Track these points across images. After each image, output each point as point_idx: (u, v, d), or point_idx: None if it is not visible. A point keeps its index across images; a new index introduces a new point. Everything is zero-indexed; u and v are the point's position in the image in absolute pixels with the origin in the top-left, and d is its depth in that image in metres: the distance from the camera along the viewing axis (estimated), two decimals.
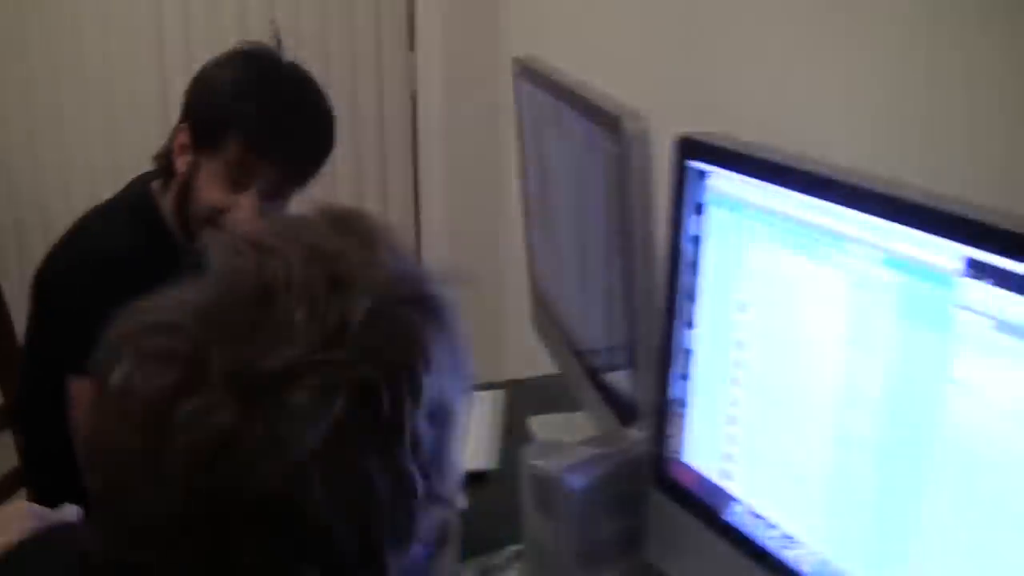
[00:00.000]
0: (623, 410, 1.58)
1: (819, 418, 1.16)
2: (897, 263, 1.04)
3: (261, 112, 1.89)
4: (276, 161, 1.90)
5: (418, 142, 3.60)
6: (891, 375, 1.06)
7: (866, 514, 1.11)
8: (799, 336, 1.18)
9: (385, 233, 0.91)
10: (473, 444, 1.90)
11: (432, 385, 0.86)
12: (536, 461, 1.44)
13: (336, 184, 3.56)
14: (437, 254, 3.61)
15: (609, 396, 1.69)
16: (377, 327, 0.83)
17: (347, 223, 0.90)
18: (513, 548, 1.58)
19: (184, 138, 1.93)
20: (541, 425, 1.97)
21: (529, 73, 1.92)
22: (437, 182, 3.57)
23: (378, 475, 0.83)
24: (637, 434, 1.47)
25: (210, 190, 1.91)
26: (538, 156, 1.97)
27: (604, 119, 1.50)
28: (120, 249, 1.89)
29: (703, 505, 1.35)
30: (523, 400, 2.11)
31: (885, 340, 1.06)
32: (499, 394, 2.14)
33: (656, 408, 1.41)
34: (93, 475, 0.84)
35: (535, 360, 2.15)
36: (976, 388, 0.97)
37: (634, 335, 1.51)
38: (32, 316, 2.00)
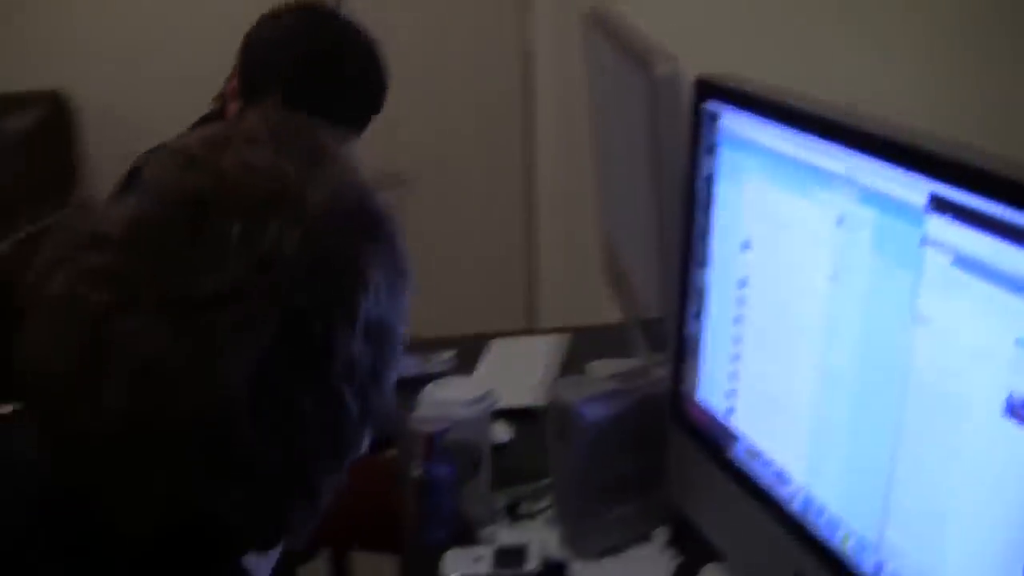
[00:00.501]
0: (655, 337, 1.61)
1: (805, 355, 1.18)
2: (872, 199, 1.05)
3: (304, 68, 1.94)
4: (314, 117, 1.95)
5: (535, 98, 3.64)
6: (866, 312, 1.07)
7: (843, 450, 1.13)
8: (791, 274, 1.20)
9: (332, 148, 0.90)
10: (525, 382, 1.94)
11: (369, 308, 0.85)
12: (558, 392, 1.48)
13: (451, 148, 3.62)
14: (550, 214, 3.65)
15: (654, 339, 1.72)
16: (311, 253, 0.82)
17: (291, 137, 0.88)
18: (547, 480, 1.62)
19: (235, 85, 2.01)
20: (597, 369, 2.00)
21: (594, 22, 1.94)
22: (551, 141, 3.60)
23: (308, 401, 0.83)
24: (659, 372, 1.50)
25: None
26: (600, 106, 1.99)
27: (641, 62, 1.52)
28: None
29: (712, 442, 1.37)
30: (586, 346, 2.14)
31: (862, 277, 1.08)
32: (564, 338, 2.18)
33: (673, 346, 1.43)
34: (30, 390, 0.83)
35: None
36: (938, 324, 0.98)
37: (664, 277, 1.53)
38: None
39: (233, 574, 0.89)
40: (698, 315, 1.39)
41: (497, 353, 2.10)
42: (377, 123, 3.49)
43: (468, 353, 2.11)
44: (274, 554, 0.94)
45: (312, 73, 1.93)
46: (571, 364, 2.09)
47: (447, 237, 3.60)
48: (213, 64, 3.56)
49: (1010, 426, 0.90)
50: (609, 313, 2.21)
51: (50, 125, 3.40)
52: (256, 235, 0.80)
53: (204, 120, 2.09)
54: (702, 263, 1.36)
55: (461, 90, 3.63)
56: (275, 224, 0.81)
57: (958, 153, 0.96)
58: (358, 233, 0.87)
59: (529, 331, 2.29)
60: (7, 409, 0.91)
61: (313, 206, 0.84)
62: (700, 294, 1.38)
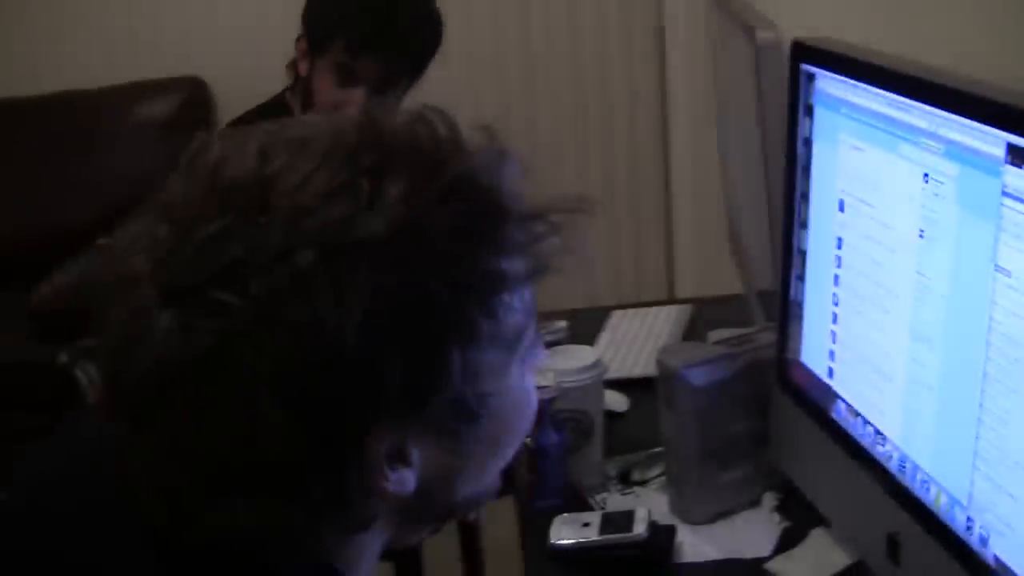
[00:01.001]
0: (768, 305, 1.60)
1: (896, 314, 1.17)
2: (955, 153, 1.05)
3: (362, 11, 2.10)
4: (378, 57, 2.10)
5: (666, 77, 3.64)
6: (953, 268, 1.07)
7: (933, 408, 1.12)
8: (883, 233, 1.19)
9: (411, 167, 0.82)
10: (644, 352, 1.96)
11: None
12: (664, 358, 1.49)
13: (587, 124, 3.65)
14: (685, 188, 3.65)
15: (769, 309, 1.72)
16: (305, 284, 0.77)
17: (372, 151, 0.82)
18: (659, 448, 1.64)
19: (303, 44, 2.18)
20: (715, 339, 2.01)
21: None
22: (685, 115, 3.59)
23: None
24: (767, 337, 1.51)
25: (323, 88, 2.14)
26: (719, 77, 2.00)
27: (746, 29, 1.52)
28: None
29: (815, 404, 1.37)
30: (710, 316, 2.14)
31: (948, 232, 1.07)
32: (686, 309, 2.19)
33: (779, 309, 1.44)
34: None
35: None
36: (1018, 275, 0.97)
37: (773, 243, 1.53)
38: None
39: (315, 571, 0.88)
40: (801, 278, 1.39)
41: (618, 324, 2.12)
42: (513, 102, 3.54)
43: (592, 324, 2.14)
44: (369, 545, 0.93)
45: (374, 19, 2.08)
46: (693, 334, 2.09)
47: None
48: None
49: None
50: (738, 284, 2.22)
51: (190, 110, 3.52)
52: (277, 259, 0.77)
53: (283, 92, 2.22)
54: (803, 225, 1.37)
55: (595, 66, 3.65)
56: (281, 234, 0.78)
57: None
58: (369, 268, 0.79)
59: (654, 303, 2.29)
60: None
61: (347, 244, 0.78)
62: (803, 257, 1.38)
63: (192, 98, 3.55)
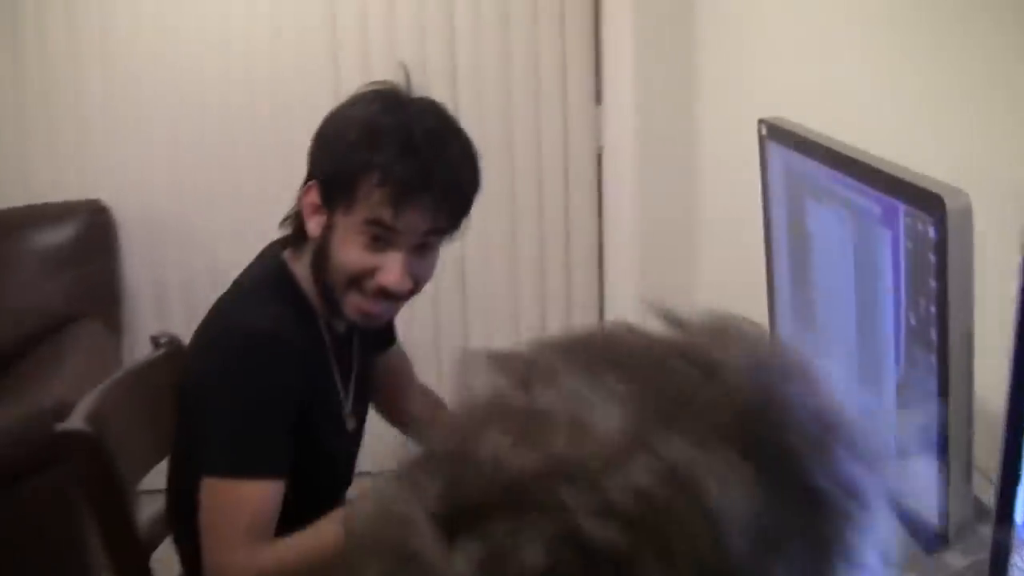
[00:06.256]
0: (923, 532, 1.37)
1: None
2: None
3: (404, 152, 1.66)
4: (422, 208, 1.69)
5: (603, 201, 3.47)
6: None
7: None
8: None
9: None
10: None
11: None
12: None
13: (517, 245, 3.46)
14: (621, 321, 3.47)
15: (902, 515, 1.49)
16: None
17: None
18: None
19: (313, 197, 1.74)
20: None
21: (783, 135, 1.74)
22: (624, 243, 3.42)
23: None
24: (958, 561, 1.28)
25: (348, 252, 1.71)
26: (792, 227, 1.78)
27: (912, 195, 1.31)
28: (266, 333, 1.71)
29: None
30: None
31: None
32: None
33: (994, 535, 1.21)
34: None
35: None
36: None
37: (943, 440, 1.31)
38: (182, 423, 1.84)
39: None
40: None
41: None
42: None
43: None
44: None
45: (414, 160, 1.66)
46: None
47: None
48: (252, 177, 3.45)
49: None
50: None
51: (92, 236, 3.38)
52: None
53: (278, 245, 1.85)
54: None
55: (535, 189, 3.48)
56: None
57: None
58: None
59: None
60: None
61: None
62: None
63: (94, 223, 3.38)
